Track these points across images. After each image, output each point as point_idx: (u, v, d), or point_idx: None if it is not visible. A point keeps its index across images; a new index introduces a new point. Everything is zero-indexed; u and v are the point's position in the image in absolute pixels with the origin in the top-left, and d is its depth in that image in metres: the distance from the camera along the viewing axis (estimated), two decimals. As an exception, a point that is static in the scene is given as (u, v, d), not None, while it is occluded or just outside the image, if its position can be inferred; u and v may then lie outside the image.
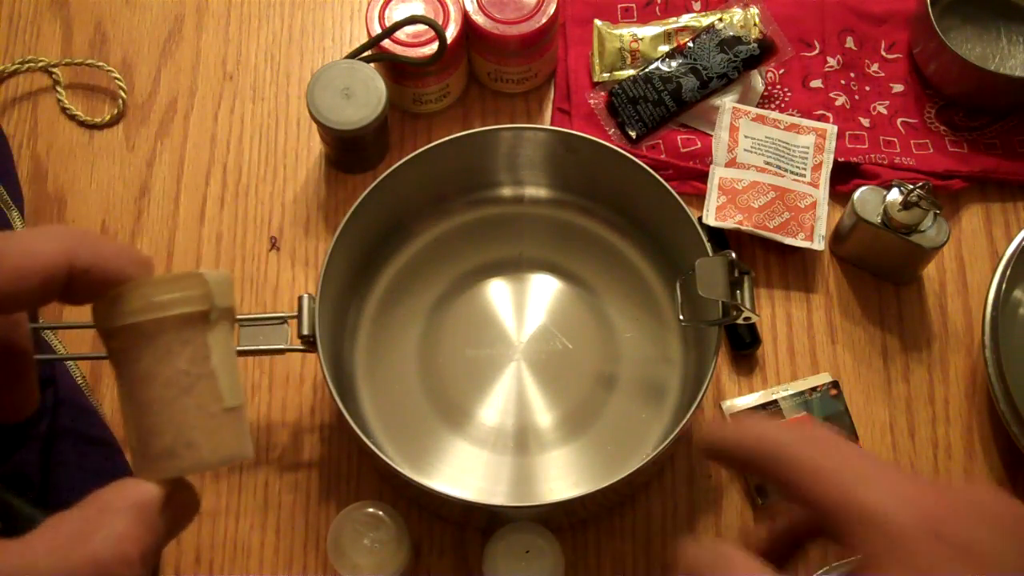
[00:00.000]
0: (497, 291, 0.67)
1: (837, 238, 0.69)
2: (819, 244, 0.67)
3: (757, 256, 0.69)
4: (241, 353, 0.59)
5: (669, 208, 0.61)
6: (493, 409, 0.64)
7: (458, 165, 0.65)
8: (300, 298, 0.58)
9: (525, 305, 0.67)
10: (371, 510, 0.57)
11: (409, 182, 0.63)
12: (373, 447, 0.54)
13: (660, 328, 0.66)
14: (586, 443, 0.63)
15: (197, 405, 0.30)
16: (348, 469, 0.64)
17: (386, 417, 0.64)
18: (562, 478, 0.62)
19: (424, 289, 0.67)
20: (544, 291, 0.67)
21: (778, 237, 0.67)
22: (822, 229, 0.67)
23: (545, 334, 0.65)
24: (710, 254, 0.58)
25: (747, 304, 0.57)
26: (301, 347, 0.59)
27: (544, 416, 0.64)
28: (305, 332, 0.58)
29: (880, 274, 0.69)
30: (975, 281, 0.69)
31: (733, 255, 0.57)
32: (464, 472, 0.62)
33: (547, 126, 0.72)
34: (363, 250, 0.65)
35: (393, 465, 0.55)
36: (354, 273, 0.65)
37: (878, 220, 0.64)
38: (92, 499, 0.29)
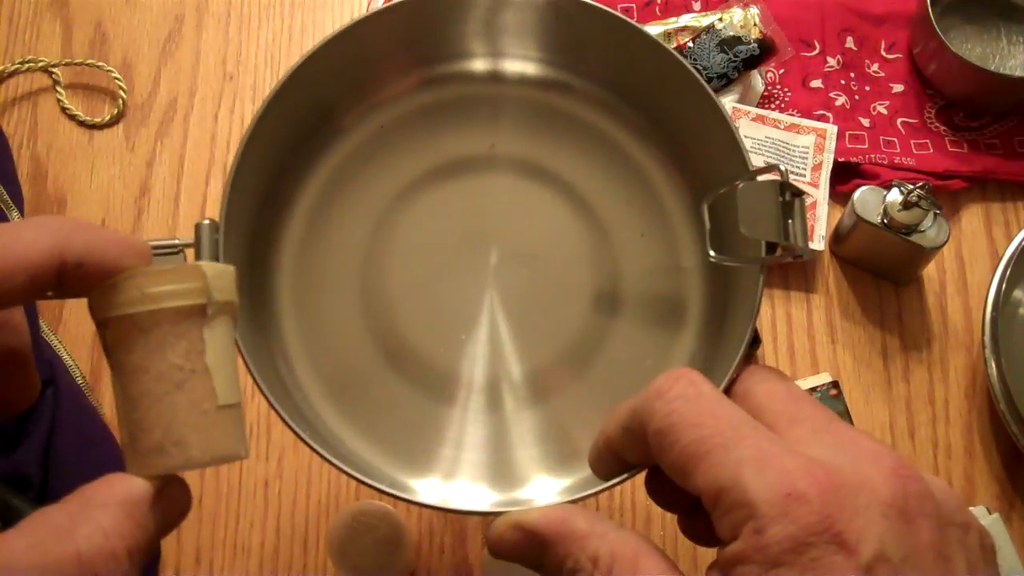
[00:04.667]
0: (461, 198, 0.49)
1: (837, 238, 0.69)
2: (819, 244, 0.67)
3: (757, 256, 0.69)
4: None
5: (692, 102, 0.45)
6: (461, 357, 0.47)
7: (412, 25, 0.47)
8: (198, 226, 0.40)
9: (498, 215, 0.49)
10: (371, 510, 0.57)
11: (337, 53, 0.45)
12: (327, 454, 0.39)
13: (671, 247, 0.48)
14: (583, 392, 0.47)
15: (189, 401, 0.29)
16: (348, 469, 0.64)
17: (322, 369, 0.47)
18: (553, 440, 0.46)
19: (364, 199, 0.49)
20: (523, 198, 0.49)
21: (778, 237, 0.67)
22: (822, 229, 0.67)
23: (525, 252, 0.48)
24: (750, 167, 0.43)
25: (799, 239, 0.41)
26: None
27: (522, 363, 0.47)
28: None
29: (880, 274, 0.69)
30: (975, 281, 0.69)
31: (783, 168, 0.42)
32: (420, 440, 0.47)
33: None
34: (282, 150, 0.47)
35: (340, 465, 0.39)
36: (272, 183, 0.48)
37: (878, 220, 0.64)
38: (77, 494, 0.28)
